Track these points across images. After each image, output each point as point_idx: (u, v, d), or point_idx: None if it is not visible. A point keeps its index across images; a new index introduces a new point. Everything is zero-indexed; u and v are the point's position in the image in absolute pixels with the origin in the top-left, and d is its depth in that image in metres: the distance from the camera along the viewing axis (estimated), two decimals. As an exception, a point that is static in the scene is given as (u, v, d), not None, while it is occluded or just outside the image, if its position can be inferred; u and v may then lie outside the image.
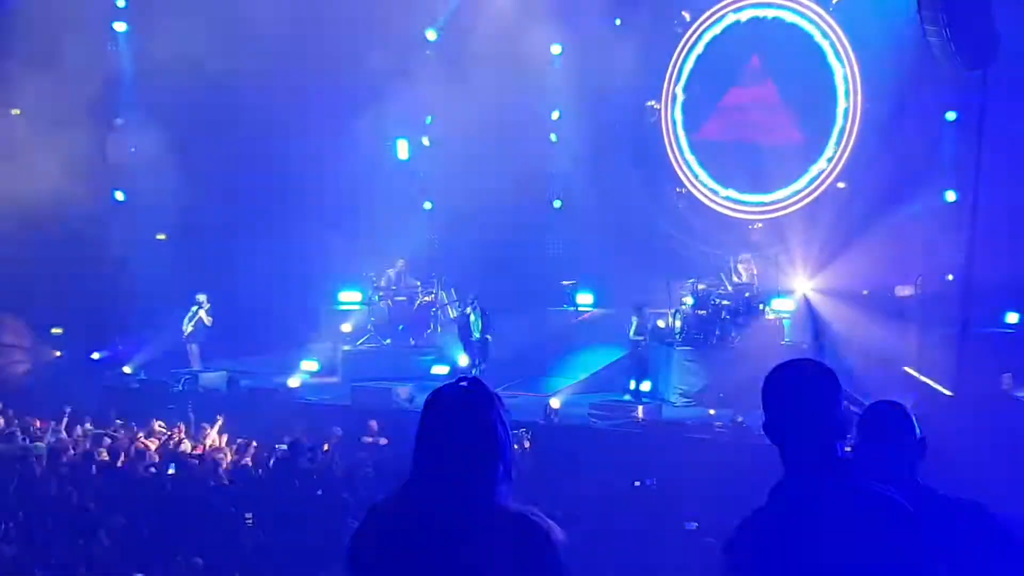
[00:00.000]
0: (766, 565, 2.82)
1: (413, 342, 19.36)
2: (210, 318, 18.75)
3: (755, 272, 17.10)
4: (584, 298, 19.70)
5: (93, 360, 19.90)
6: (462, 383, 2.87)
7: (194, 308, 18.77)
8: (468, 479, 2.73)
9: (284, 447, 12.59)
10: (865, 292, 16.66)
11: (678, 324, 16.74)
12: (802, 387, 2.91)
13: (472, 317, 17.59)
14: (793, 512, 2.83)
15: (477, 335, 17.48)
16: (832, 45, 18.06)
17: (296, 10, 18.97)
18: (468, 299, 17.94)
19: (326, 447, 13.05)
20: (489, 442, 2.76)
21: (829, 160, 18.21)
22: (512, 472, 2.80)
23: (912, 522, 2.79)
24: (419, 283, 19.55)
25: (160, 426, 14.67)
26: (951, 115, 16.11)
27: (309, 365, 18.37)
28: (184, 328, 18.79)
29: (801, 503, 2.83)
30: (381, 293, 19.34)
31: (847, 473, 2.88)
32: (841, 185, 17.90)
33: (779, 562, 2.80)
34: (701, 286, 16.91)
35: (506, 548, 2.69)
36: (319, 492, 11.05)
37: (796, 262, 17.58)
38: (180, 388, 17.54)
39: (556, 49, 19.89)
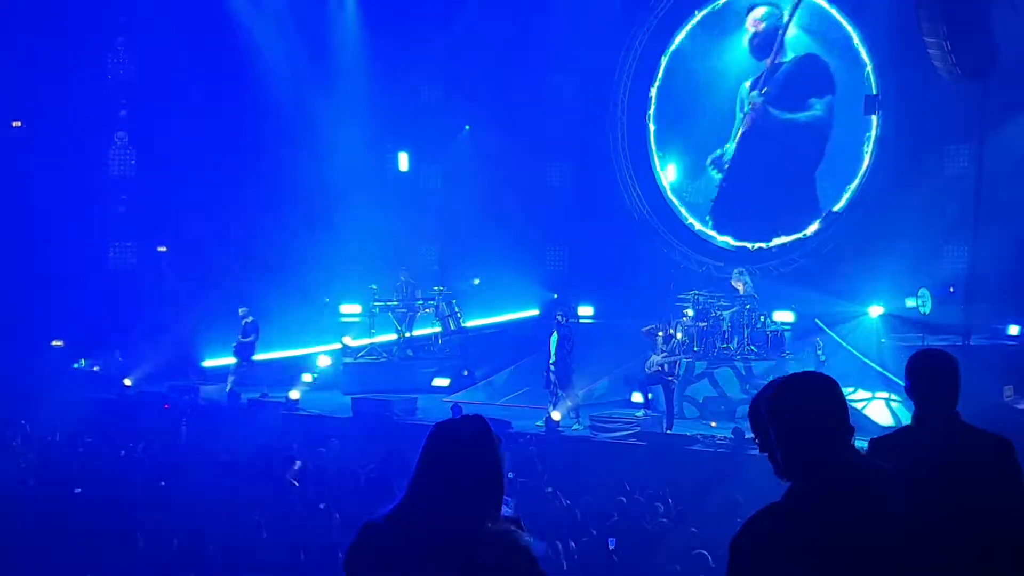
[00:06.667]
0: (776, 563, 2.81)
1: (411, 354, 19.31)
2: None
3: (750, 284, 17.02)
4: (585, 310, 19.68)
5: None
6: (462, 419, 3.14)
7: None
8: (460, 508, 2.99)
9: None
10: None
11: (679, 336, 16.64)
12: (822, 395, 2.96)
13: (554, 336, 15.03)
14: (809, 513, 2.82)
15: (553, 359, 15.05)
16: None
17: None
18: (554, 316, 15.66)
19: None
20: (481, 476, 3.04)
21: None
22: (501, 500, 3.07)
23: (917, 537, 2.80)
24: (432, 298, 19.50)
25: None
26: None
27: (308, 377, 18.33)
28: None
29: (819, 504, 2.82)
30: (381, 304, 19.30)
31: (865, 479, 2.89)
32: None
33: (790, 561, 2.79)
34: (701, 297, 16.83)
35: (490, 565, 2.96)
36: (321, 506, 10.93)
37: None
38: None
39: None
